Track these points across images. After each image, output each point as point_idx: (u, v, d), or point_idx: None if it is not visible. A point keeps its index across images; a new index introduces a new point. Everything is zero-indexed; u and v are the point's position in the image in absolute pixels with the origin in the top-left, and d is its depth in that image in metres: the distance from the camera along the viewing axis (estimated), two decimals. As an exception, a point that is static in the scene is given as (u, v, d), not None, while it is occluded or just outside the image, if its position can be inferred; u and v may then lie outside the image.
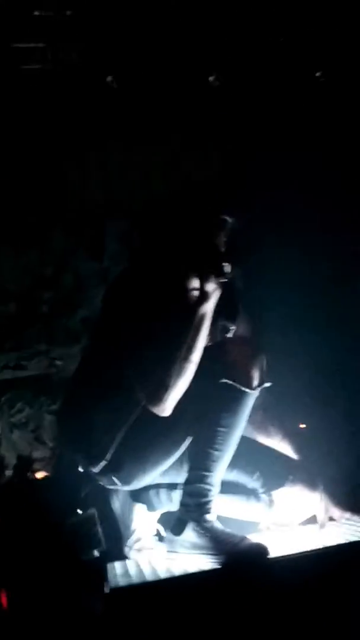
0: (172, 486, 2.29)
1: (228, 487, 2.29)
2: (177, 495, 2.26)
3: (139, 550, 2.29)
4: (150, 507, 2.31)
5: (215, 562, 2.10)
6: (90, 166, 3.41)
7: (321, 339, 3.26)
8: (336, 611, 2.02)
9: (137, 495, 2.31)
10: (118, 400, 2.18)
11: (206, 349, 2.15)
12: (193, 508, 2.19)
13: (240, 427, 2.22)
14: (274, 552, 2.08)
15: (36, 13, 2.91)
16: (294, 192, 3.49)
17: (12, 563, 2.16)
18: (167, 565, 2.13)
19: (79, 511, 2.23)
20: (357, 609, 2.01)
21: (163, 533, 2.30)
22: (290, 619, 1.99)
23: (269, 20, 3.20)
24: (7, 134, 3.21)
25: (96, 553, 2.14)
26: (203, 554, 2.14)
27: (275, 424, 2.45)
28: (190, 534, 2.17)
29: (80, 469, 2.27)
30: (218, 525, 2.18)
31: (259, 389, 2.22)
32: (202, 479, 2.19)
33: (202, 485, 2.19)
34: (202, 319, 2.14)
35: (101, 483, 2.25)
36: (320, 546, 2.15)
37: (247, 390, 2.19)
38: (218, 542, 2.13)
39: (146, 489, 2.29)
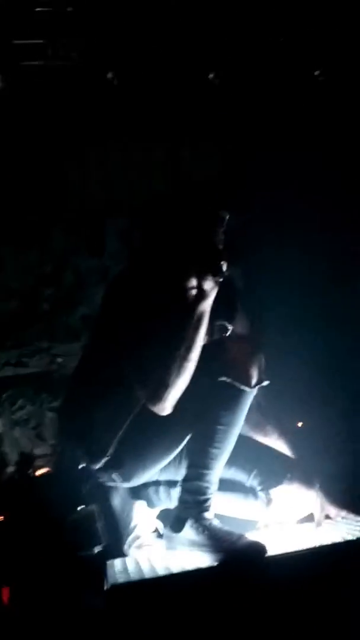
0: (171, 483, 2.27)
1: (226, 485, 2.28)
2: (176, 492, 2.24)
3: (138, 547, 2.28)
4: (150, 504, 2.30)
5: (213, 560, 2.09)
6: (91, 164, 3.39)
7: (319, 338, 3.24)
8: (333, 609, 2.00)
9: (137, 493, 2.29)
10: (118, 398, 2.16)
11: (205, 347, 2.13)
12: (192, 505, 2.17)
13: (239, 425, 2.20)
14: (271, 550, 2.06)
15: (37, 9, 2.87)
16: (294, 192, 3.48)
17: (13, 559, 2.16)
18: (165, 562, 2.11)
19: (80, 508, 2.22)
20: (353, 607, 1.99)
21: (162, 530, 2.29)
22: (287, 617, 1.98)
23: (268, 19, 3.18)
24: (8, 131, 3.19)
25: (96, 550, 2.14)
26: (201, 551, 2.12)
27: (272, 423, 2.43)
28: (188, 531, 2.16)
29: (81, 466, 2.25)
30: (216, 522, 2.17)
31: (257, 387, 2.21)
32: (201, 477, 2.17)
33: (200, 482, 2.17)
34: (200, 317, 2.12)
35: (101, 480, 2.24)
36: (317, 544, 2.14)
37: (245, 388, 2.17)
38: (216, 540, 2.12)
39: (145, 486, 2.28)
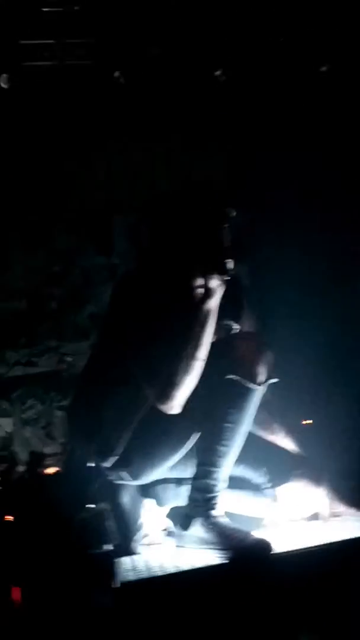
0: (180, 481, 2.24)
1: (235, 483, 2.24)
2: (185, 490, 2.21)
3: (147, 545, 2.25)
4: (159, 502, 2.27)
5: (221, 557, 2.05)
6: (96, 164, 3.37)
7: (323, 337, 3.22)
8: (341, 607, 1.97)
9: (146, 491, 2.26)
10: (126, 396, 2.13)
11: (212, 345, 2.10)
12: (201, 503, 2.14)
13: (247, 422, 2.17)
14: (279, 548, 2.03)
15: (44, 9, 2.84)
16: (294, 192, 3.47)
17: (24, 558, 2.14)
18: (174, 560, 2.08)
19: (90, 506, 2.20)
20: (361, 604, 1.96)
21: (171, 528, 2.25)
22: (294, 614, 1.95)
23: (272, 19, 3.15)
24: (17, 132, 3.16)
25: (107, 548, 2.12)
26: (210, 548, 2.09)
27: (279, 421, 2.39)
28: (197, 529, 2.12)
29: (91, 465, 2.22)
30: (225, 520, 2.13)
31: (266, 384, 2.17)
32: (210, 475, 2.14)
33: (209, 480, 2.14)
34: (207, 315, 2.09)
35: (110, 478, 2.21)
36: (325, 542, 2.10)
37: (253, 386, 2.14)
38: (224, 537, 2.08)
39: (154, 484, 2.25)
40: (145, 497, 2.26)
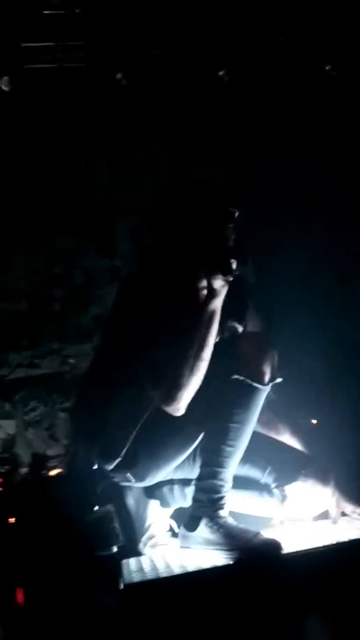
0: (185, 482, 2.21)
1: (241, 483, 2.21)
2: (190, 491, 2.17)
3: (153, 546, 2.22)
4: (164, 503, 2.23)
5: (228, 558, 2.02)
6: (97, 164, 3.35)
7: (328, 335, 3.20)
8: (349, 606, 1.93)
9: (151, 492, 2.23)
10: (130, 398, 2.10)
11: (217, 346, 2.07)
12: (206, 504, 2.10)
13: (252, 422, 2.13)
14: (287, 548, 2.00)
15: (45, 12, 2.82)
16: (294, 192, 3.46)
17: (28, 560, 2.11)
18: (180, 560, 2.04)
19: (95, 508, 2.17)
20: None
21: (177, 529, 2.23)
22: (303, 615, 1.90)
23: (272, 19, 3.13)
24: (18, 134, 3.14)
25: (113, 549, 2.09)
26: (216, 549, 2.05)
27: (284, 421, 2.37)
28: (203, 530, 2.08)
29: (95, 466, 2.19)
30: (231, 520, 2.10)
31: (271, 384, 2.13)
32: (215, 475, 2.10)
33: (214, 481, 2.10)
34: (211, 316, 2.06)
35: (115, 480, 2.17)
36: (333, 541, 2.07)
37: (258, 385, 2.10)
38: (231, 538, 2.05)
39: (160, 485, 2.21)
40: (150, 498, 2.23)
